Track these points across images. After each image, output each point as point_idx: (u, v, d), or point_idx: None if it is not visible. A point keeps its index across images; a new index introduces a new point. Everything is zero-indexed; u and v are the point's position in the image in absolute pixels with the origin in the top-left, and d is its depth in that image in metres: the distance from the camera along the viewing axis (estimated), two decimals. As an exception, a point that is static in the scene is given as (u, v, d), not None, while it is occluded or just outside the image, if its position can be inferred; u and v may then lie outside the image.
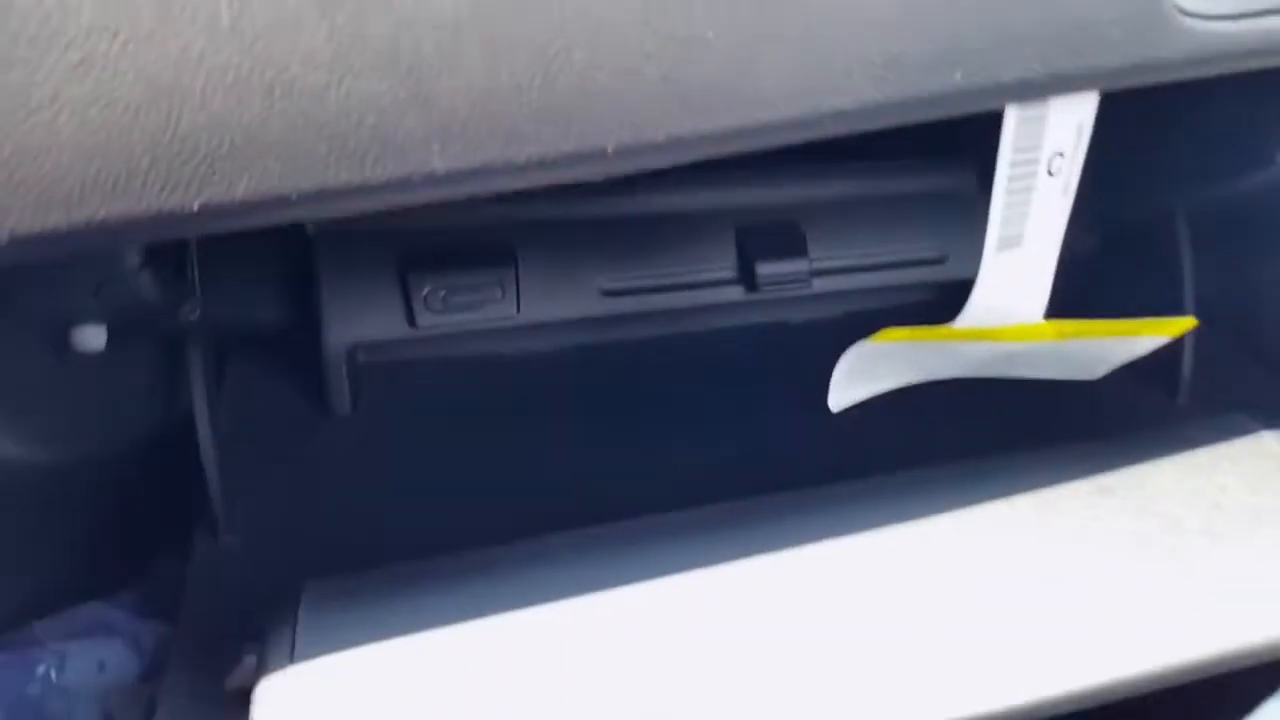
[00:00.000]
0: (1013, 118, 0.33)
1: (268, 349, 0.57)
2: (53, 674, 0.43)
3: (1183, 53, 0.31)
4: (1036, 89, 0.31)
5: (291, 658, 0.39)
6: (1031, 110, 0.33)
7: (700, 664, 0.38)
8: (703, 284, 0.58)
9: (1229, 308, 0.58)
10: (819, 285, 0.58)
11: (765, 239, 0.57)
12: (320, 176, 0.26)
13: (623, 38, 0.27)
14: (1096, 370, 0.46)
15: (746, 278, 0.57)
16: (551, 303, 0.56)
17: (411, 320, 0.54)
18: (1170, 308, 0.56)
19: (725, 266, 0.58)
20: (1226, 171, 0.49)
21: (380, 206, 0.28)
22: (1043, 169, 0.35)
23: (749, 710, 0.37)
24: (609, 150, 0.28)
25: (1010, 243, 0.36)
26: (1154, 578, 0.41)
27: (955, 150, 0.59)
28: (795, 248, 0.57)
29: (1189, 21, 0.31)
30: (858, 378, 0.43)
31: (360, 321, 0.54)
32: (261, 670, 0.39)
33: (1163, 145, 0.53)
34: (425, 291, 0.54)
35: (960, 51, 0.30)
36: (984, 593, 0.40)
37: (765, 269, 0.57)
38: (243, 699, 0.39)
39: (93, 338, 0.36)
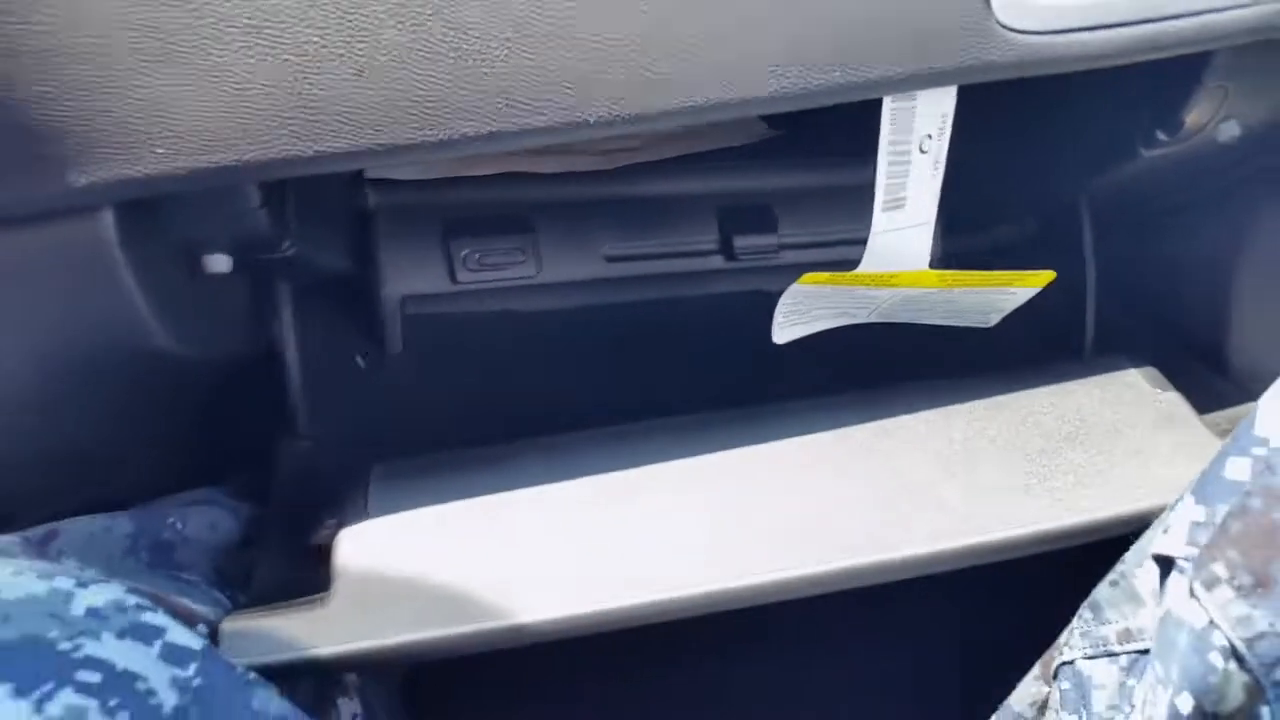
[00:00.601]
0: (888, 107, 0.46)
1: (332, 294, 0.70)
2: (179, 525, 0.55)
3: (1006, 59, 0.44)
4: (899, 84, 0.43)
5: (364, 517, 0.51)
6: (902, 102, 0.46)
7: (676, 520, 0.50)
8: (690, 253, 0.70)
9: (1127, 279, 0.70)
10: (787, 257, 0.71)
11: (742, 217, 0.70)
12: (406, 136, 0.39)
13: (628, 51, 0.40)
14: (989, 318, 0.58)
15: (726, 248, 0.70)
16: (565, 265, 0.69)
17: (452, 276, 0.67)
18: (1076, 279, 0.68)
19: (709, 239, 0.70)
20: (1102, 163, 0.61)
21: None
22: (915, 148, 0.47)
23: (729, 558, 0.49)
24: (591, 121, 0.41)
25: (894, 205, 0.48)
26: (1026, 471, 0.53)
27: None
28: (767, 225, 0.70)
29: (1010, 35, 0.43)
30: (794, 318, 0.55)
31: (411, 276, 0.67)
32: (340, 529, 0.51)
33: (1060, 141, 0.65)
34: (464, 253, 0.67)
35: (839, 55, 0.42)
36: (891, 471, 0.52)
37: (741, 241, 0.70)
38: (325, 554, 0.51)
39: (220, 263, 0.49)
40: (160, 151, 0.38)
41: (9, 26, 0.36)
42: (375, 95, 0.38)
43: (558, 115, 0.41)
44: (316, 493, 0.57)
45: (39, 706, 0.35)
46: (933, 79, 0.44)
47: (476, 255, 0.67)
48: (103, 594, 0.40)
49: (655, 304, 0.72)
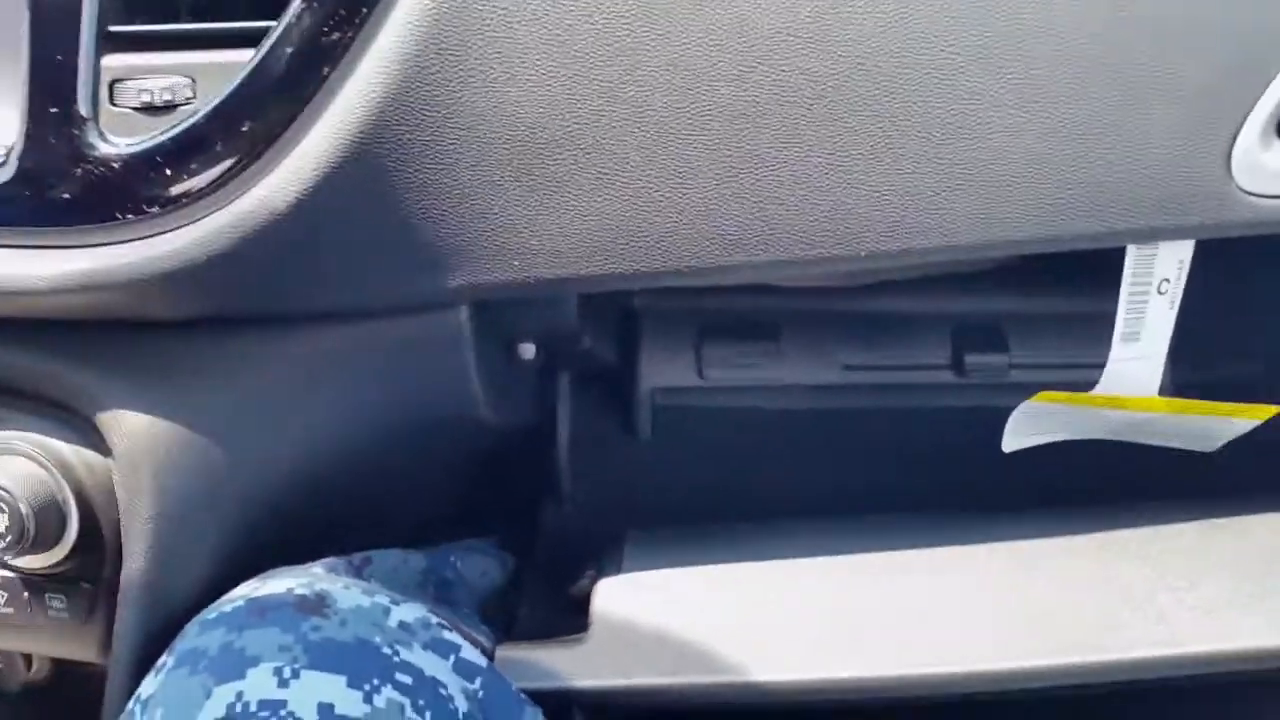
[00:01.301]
0: (1130, 254, 0.51)
1: (595, 383, 0.79)
2: (459, 565, 0.64)
3: (1243, 219, 0.48)
4: (1141, 236, 0.49)
5: (621, 572, 0.58)
6: (1145, 250, 0.51)
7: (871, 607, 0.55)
8: (922, 366, 0.76)
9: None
10: (1015, 376, 0.75)
11: (974, 336, 0.76)
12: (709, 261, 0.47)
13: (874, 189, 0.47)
14: (1211, 444, 0.62)
15: (957, 365, 0.75)
16: (805, 370, 0.76)
17: (701, 373, 0.75)
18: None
19: (941, 355, 0.76)
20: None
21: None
22: (1154, 288, 0.52)
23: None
24: (861, 254, 0.48)
25: (1130, 337, 0.53)
26: (1248, 593, 0.55)
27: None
28: (998, 345, 0.75)
29: (1248, 199, 0.48)
30: (1026, 429, 0.60)
31: (664, 371, 0.75)
32: (599, 581, 0.58)
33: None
34: (714, 353, 0.75)
35: (1089, 209, 0.48)
36: (1109, 579, 0.55)
37: (972, 359, 0.75)
38: (584, 603, 0.57)
39: (530, 351, 0.58)
40: (516, 265, 0.47)
41: (409, 155, 0.45)
42: (690, 229, 0.47)
43: (832, 250, 0.48)
44: (575, 551, 0.65)
45: (368, 697, 0.42)
46: (1172, 234, 0.49)
47: (725, 355, 0.75)
48: (412, 612, 0.47)
49: (886, 412, 0.77)
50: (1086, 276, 0.58)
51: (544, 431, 0.72)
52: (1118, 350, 0.54)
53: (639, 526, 0.64)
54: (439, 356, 0.51)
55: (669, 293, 0.75)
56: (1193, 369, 0.74)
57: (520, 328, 0.57)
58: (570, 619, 0.57)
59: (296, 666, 0.42)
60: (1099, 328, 0.71)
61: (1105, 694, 0.53)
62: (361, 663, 0.43)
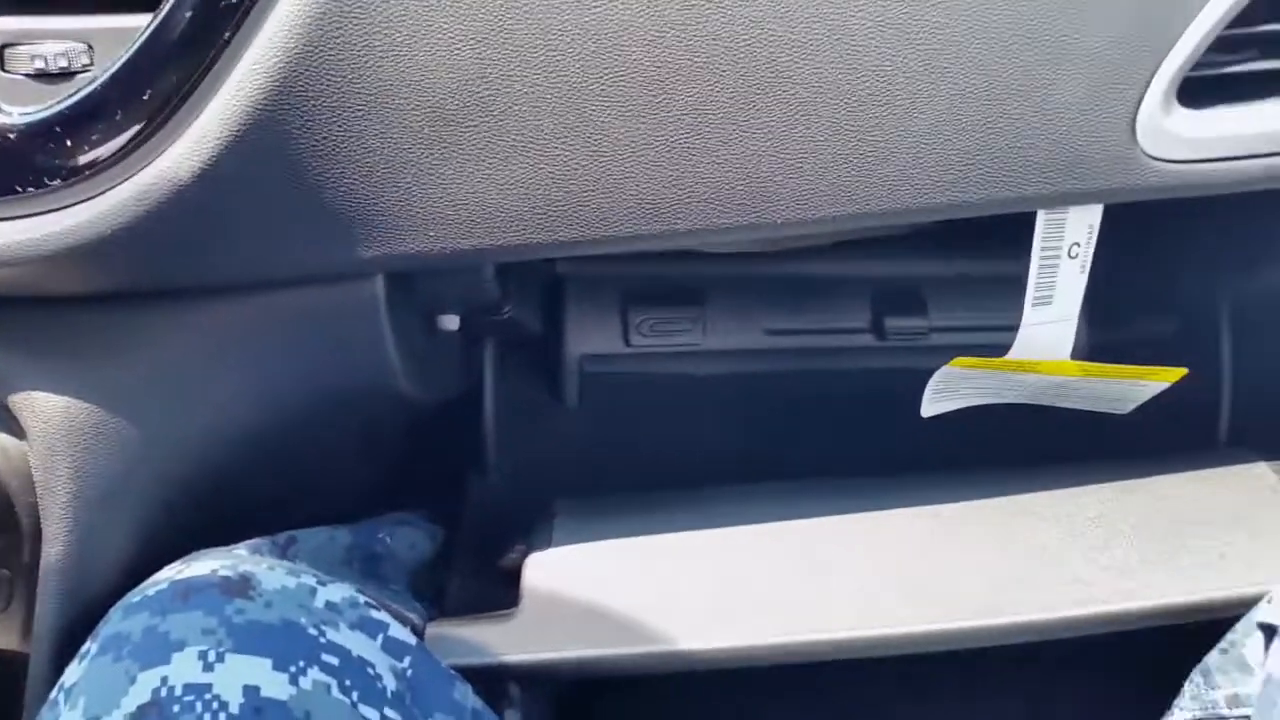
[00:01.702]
0: (1040, 219, 0.52)
1: (522, 351, 0.78)
2: (388, 540, 0.63)
3: (1148, 184, 0.49)
4: (1050, 201, 0.50)
5: (550, 545, 0.58)
6: (1055, 214, 0.52)
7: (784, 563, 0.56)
8: (843, 330, 0.77)
9: (1265, 377, 0.74)
10: (934, 339, 0.76)
11: (894, 300, 0.77)
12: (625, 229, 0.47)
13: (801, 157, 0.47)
14: (1123, 406, 0.63)
15: (877, 328, 0.76)
16: (729, 335, 0.76)
17: (627, 340, 0.75)
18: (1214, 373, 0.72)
19: (862, 319, 0.77)
20: (1242, 267, 0.66)
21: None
22: (1064, 253, 0.53)
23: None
24: (778, 222, 0.48)
25: (1042, 302, 0.54)
26: (1156, 550, 0.57)
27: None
28: (917, 308, 0.76)
29: (1153, 163, 0.49)
30: (943, 394, 0.61)
31: (590, 338, 0.75)
32: (528, 554, 0.58)
33: (1202, 245, 0.70)
34: (639, 320, 0.75)
35: (999, 175, 0.49)
36: (1027, 542, 0.57)
37: (892, 322, 0.76)
38: (513, 575, 0.57)
39: (451, 322, 0.58)
40: (431, 235, 0.47)
41: (317, 122, 0.45)
42: (607, 197, 0.46)
43: (748, 218, 0.48)
44: (503, 522, 0.65)
45: (294, 679, 0.42)
46: (1080, 199, 0.50)
47: (650, 322, 0.75)
48: (338, 591, 0.47)
49: (809, 375, 0.78)
50: (1006, 239, 0.59)
51: (471, 402, 0.72)
52: (1030, 315, 0.55)
53: (568, 495, 0.64)
54: (354, 328, 0.51)
55: (593, 259, 0.75)
56: (1106, 329, 0.76)
57: (439, 299, 0.56)
58: (501, 592, 0.57)
59: (221, 650, 0.41)
60: (1018, 290, 0.72)
61: (1020, 654, 0.55)
62: (287, 644, 0.43)
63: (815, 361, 0.78)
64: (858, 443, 0.74)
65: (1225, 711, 0.52)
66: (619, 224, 0.47)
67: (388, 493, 0.69)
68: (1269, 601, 0.50)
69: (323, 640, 0.44)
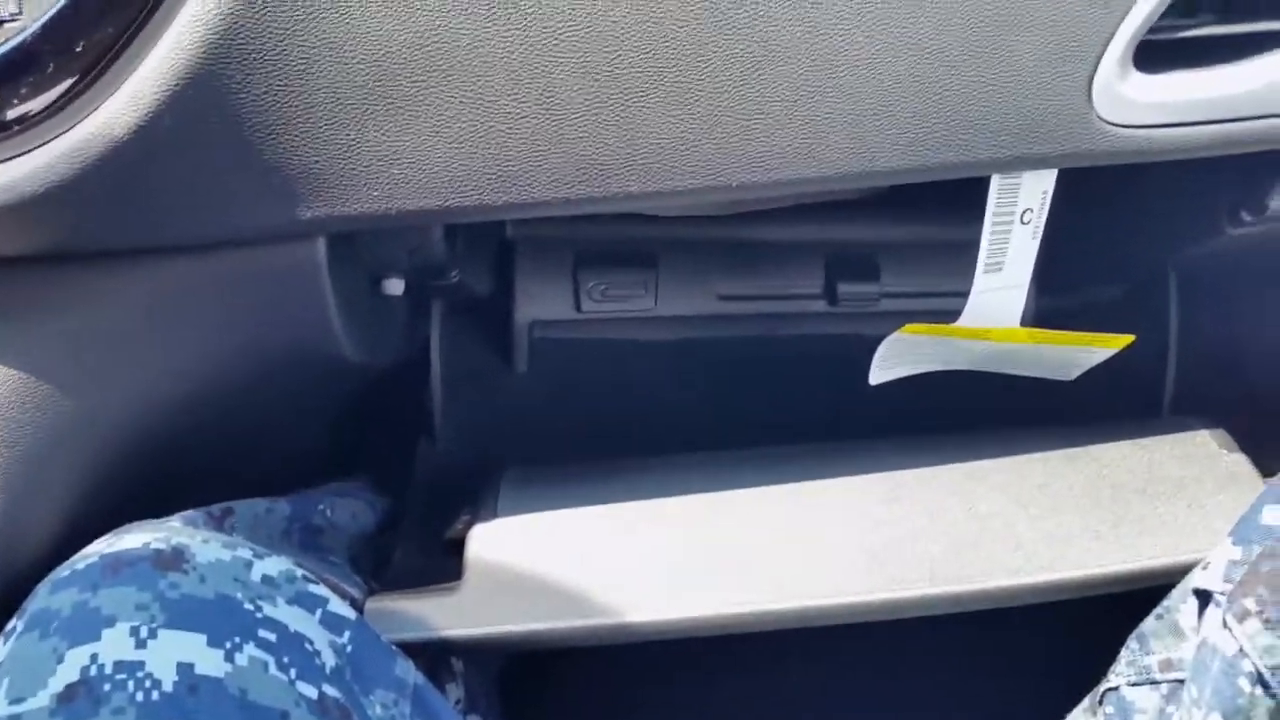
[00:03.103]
0: (994, 183, 0.52)
1: (471, 316, 0.77)
2: (328, 511, 0.62)
3: (1102, 149, 0.49)
4: (1005, 166, 0.49)
5: (496, 515, 0.58)
6: (1009, 179, 0.52)
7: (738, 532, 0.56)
8: (796, 296, 0.76)
9: (1209, 344, 0.75)
10: (886, 305, 0.76)
11: (847, 265, 0.76)
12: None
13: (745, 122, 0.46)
14: (1070, 373, 0.64)
15: (830, 294, 0.76)
16: (681, 301, 0.76)
17: (578, 306, 0.74)
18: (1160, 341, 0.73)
19: (814, 285, 0.77)
20: (1188, 235, 0.66)
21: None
22: (1017, 219, 0.53)
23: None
24: (733, 184, 0.47)
25: (994, 268, 0.54)
26: (1098, 518, 0.58)
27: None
28: (870, 274, 0.76)
29: (1107, 128, 0.49)
30: (892, 361, 0.61)
31: (540, 303, 0.74)
32: (473, 525, 0.58)
33: (1149, 214, 0.70)
34: (590, 285, 0.74)
35: (954, 138, 0.48)
36: (971, 510, 0.57)
37: (845, 288, 0.76)
38: (458, 547, 0.56)
39: (396, 286, 0.56)
40: (376, 195, 0.45)
41: (257, 77, 0.43)
42: (558, 158, 0.45)
43: (702, 180, 0.48)
44: (449, 492, 0.64)
45: (229, 656, 0.40)
46: (1035, 163, 0.50)
47: (601, 287, 0.74)
48: (275, 565, 0.46)
49: (761, 341, 0.78)
50: (960, 205, 0.59)
51: (418, 368, 0.70)
52: (981, 281, 0.55)
53: (517, 463, 0.63)
54: (295, 291, 0.49)
55: (543, 222, 0.73)
56: (1054, 295, 0.76)
57: (384, 262, 0.55)
58: (445, 563, 0.56)
59: (154, 626, 0.40)
60: (970, 256, 0.72)
61: (963, 620, 0.55)
62: (222, 620, 0.42)
63: (768, 327, 0.78)
64: (810, 409, 0.74)
65: (1158, 675, 0.53)
66: (570, 185, 0.46)
67: (332, 462, 0.67)
68: (1204, 568, 0.51)
69: (259, 615, 0.43)
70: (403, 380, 0.69)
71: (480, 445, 0.70)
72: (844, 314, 0.77)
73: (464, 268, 0.59)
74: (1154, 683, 0.53)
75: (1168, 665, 0.53)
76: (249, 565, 0.45)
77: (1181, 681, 0.52)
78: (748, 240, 0.77)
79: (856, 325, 0.78)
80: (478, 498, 0.60)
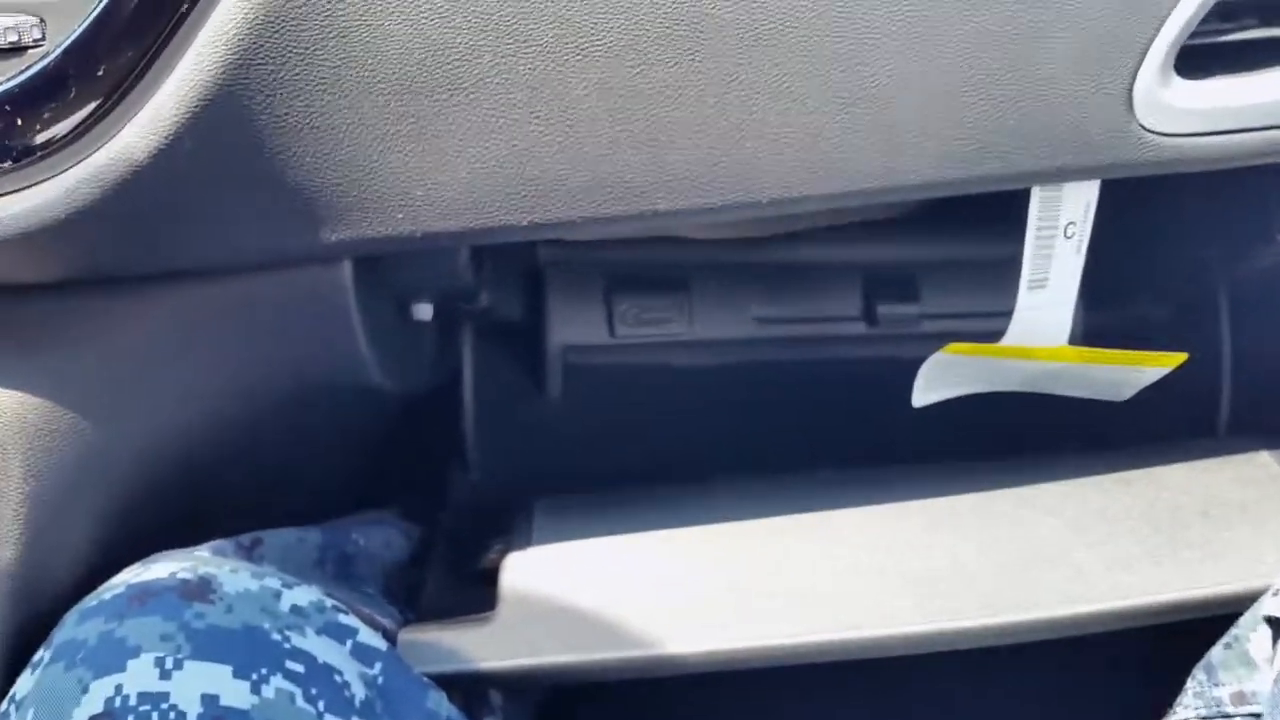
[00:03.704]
0: (1035, 196, 0.50)
1: (504, 342, 0.76)
2: (361, 540, 0.61)
3: (1146, 159, 0.47)
4: (1046, 178, 0.48)
5: (530, 545, 0.57)
6: (1050, 191, 0.50)
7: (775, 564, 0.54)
8: (834, 318, 0.75)
9: (1265, 362, 0.72)
10: (927, 326, 0.74)
11: (886, 286, 0.75)
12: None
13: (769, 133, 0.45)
14: (1121, 393, 0.62)
15: (869, 316, 0.74)
16: (716, 325, 0.74)
17: (611, 330, 0.73)
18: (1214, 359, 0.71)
19: (853, 306, 0.75)
20: (1240, 249, 0.64)
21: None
22: (1060, 233, 0.51)
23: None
24: (763, 201, 0.46)
25: (1038, 285, 0.52)
26: (1156, 543, 0.56)
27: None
28: (910, 295, 0.74)
29: (1151, 137, 0.47)
30: (935, 383, 0.59)
31: (573, 328, 0.73)
32: (507, 554, 0.56)
33: (1199, 227, 0.68)
34: (623, 309, 0.73)
35: (992, 150, 0.47)
36: (1025, 536, 0.55)
37: (884, 309, 0.74)
38: (492, 577, 0.55)
39: (425, 311, 0.56)
40: (400, 217, 0.45)
41: (278, 98, 0.43)
42: (582, 177, 0.44)
43: (731, 197, 0.46)
44: (482, 520, 0.63)
45: (256, 688, 0.40)
46: (1077, 174, 0.48)
47: (635, 311, 0.73)
48: (305, 595, 0.45)
49: (799, 364, 0.76)
50: (1000, 221, 0.57)
51: (450, 395, 0.70)
52: (1025, 299, 0.53)
53: (550, 491, 0.62)
54: (321, 316, 0.49)
55: (574, 245, 0.73)
56: (1101, 313, 0.74)
57: (411, 286, 0.54)
58: (479, 592, 0.55)
59: (179, 656, 0.40)
60: (1013, 275, 0.70)
61: (1018, 650, 0.53)
62: (249, 651, 0.41)
63: (805, 351, 0.76)
64: (850, 434, 0.73)
65: (1230, 709, 0.50)
66: (597, 205, 0.45)
67: (364, 491, 0.67)
68: (1275, 594, 0.48)
69: (287, 646, 0.42)
70: (435, 407, 0.69)
71: (514, 472, 0.69)
72: (884, 336, 0.75)
73: (493, 291, 0.58)
74: (1226, 716, 0.50)
75: (1240, 698, 0.50)
76: (278, 595, 0.44)
77: (1258, 716, 0.49)
78: (783, 262, 0.75)
79: (897, 347, 0.76)
80: (511, 527, 0.59)
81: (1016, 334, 0.54)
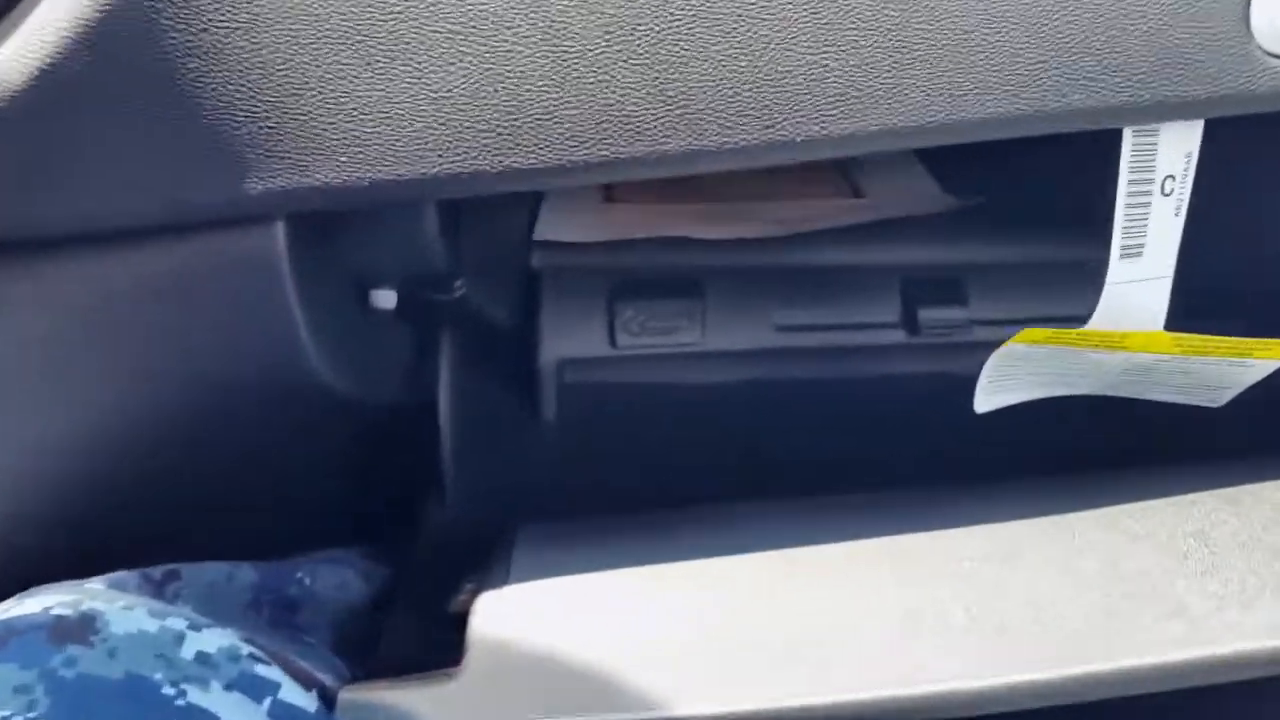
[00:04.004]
0: (1128, 140, 0.41)
1: (491, 356, 0.67)
2: (307, 580, 0.52)
3: (1265, 90, 0.39)
4: (1142, 113, 0.39)
5: (506, 584, 0.47)
6: (1145, 136, 0.41)
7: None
8: (869, 325, 0.66)
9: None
10: (977, 334, 0.65)
11: (928, 289, 0.66)
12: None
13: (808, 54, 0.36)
14: (1220, 395, 0.52)
15: (909, 322, 0.65)
16: (732, 334, 0.65)
17: (613, 341, 0.64)
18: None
19: (890, 311, 0.66)
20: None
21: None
22: (1157, 189, 0.42)
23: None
24: (798, 140, 0.37)
25: (1132, 253, 0.43)
26: (1275, 572, 0.46)
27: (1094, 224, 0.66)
28: (956, 297, 0.65)
29: (1272, 62, 0.38)
30: (1001, 384, 0.50)
31: (570, 338, 0.64)
32: (478, 594, 0.48)
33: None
34: (627, 316, 0.64)
35: (1077, 78, 0.38)
36: (1114, 568, 0.46)
37: (926, 314, 0.65)
38: (462, 621, 0.46)
39: (386, 299, 0.46)
40: (342, 160, 0.36)
41: (192, 24, 0.34)
42: (574, 108, 0.35)
43: (759, 135, 0.37)
44: (458, 556, 0.54)
45: None
46: (1179, 109, 0.39)
47: (640, 319, 0.64)
48: (216, 640, 0.38)
49: (828, 380, 0.67)
50: (1054, 218, 0.49)
51: (426, 414, 0.60)
52: (1117, 269, 0.44)
53: (538, 523, 0.53)
54: (249, 292, 0.40)
55: (573, 248, 0.64)
56: (1192, 295, 0.65)
57: (368, 263, 0.45)
58: (445, 640, 0.46)
59: (33, 715, 0.32)
60: (1073, 277, 0.61)
61: (1114, 706, 0.43)
62: (129, 708, 0.34)
63: (835, 363, 0.67)
64: (888, 462, 0.63)
65: None
66: (590, 145, 0.36)
67: (321, 524, 0.57)
68: None
69: (180, 703, 0.35)
70: (408, 428, 0.59)
71: (498, 506, 0.59)
72: (927, 345, 0.66)
73: (471, 278, 0.49)
74: None
75: None
76: (180, 639, 0.36)
77: None
78: (809, 265, 0.66)
79: (943, 360, 0.66)
80: (487, 562, 0.50)
81: (1107, 313, 0.45)
